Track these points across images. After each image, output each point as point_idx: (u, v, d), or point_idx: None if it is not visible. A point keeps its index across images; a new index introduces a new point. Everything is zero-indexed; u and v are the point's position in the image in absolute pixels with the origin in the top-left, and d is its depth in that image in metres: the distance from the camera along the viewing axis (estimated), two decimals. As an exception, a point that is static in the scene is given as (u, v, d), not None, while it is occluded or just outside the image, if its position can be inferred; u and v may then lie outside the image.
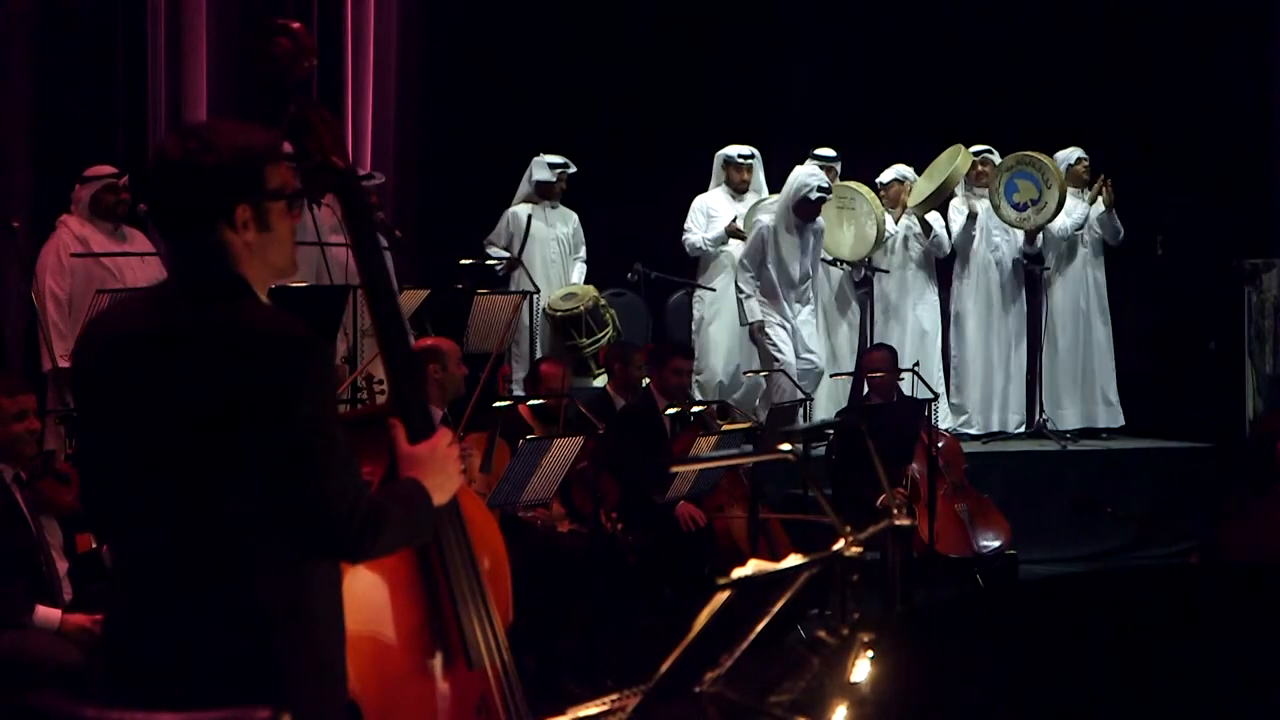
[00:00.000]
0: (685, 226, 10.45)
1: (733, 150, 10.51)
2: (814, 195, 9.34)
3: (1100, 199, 10.49)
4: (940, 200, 10.34)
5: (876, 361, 8.85)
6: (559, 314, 10.02)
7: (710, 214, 10.43)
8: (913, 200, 10.46)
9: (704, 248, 10.42)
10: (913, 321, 10.61)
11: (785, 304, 9.53)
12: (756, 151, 10.56)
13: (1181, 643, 2.50)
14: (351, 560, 2.85)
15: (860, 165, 10.58)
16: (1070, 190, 10.46)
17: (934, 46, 11.71)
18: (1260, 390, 10.59)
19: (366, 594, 3.07)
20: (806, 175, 9.49)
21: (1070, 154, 10.61)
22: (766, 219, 9.62)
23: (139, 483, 2.72)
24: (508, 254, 10.14)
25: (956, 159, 10.19)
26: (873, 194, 10.22)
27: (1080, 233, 10.63)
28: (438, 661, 3.19)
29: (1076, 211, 10.55)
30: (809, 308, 9.71)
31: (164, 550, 2.70)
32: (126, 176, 8.53)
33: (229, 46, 9.94)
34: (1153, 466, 9.82)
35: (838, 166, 10.52)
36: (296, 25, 3.04)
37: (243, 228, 2.76)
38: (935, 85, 11.59)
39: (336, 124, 3.12)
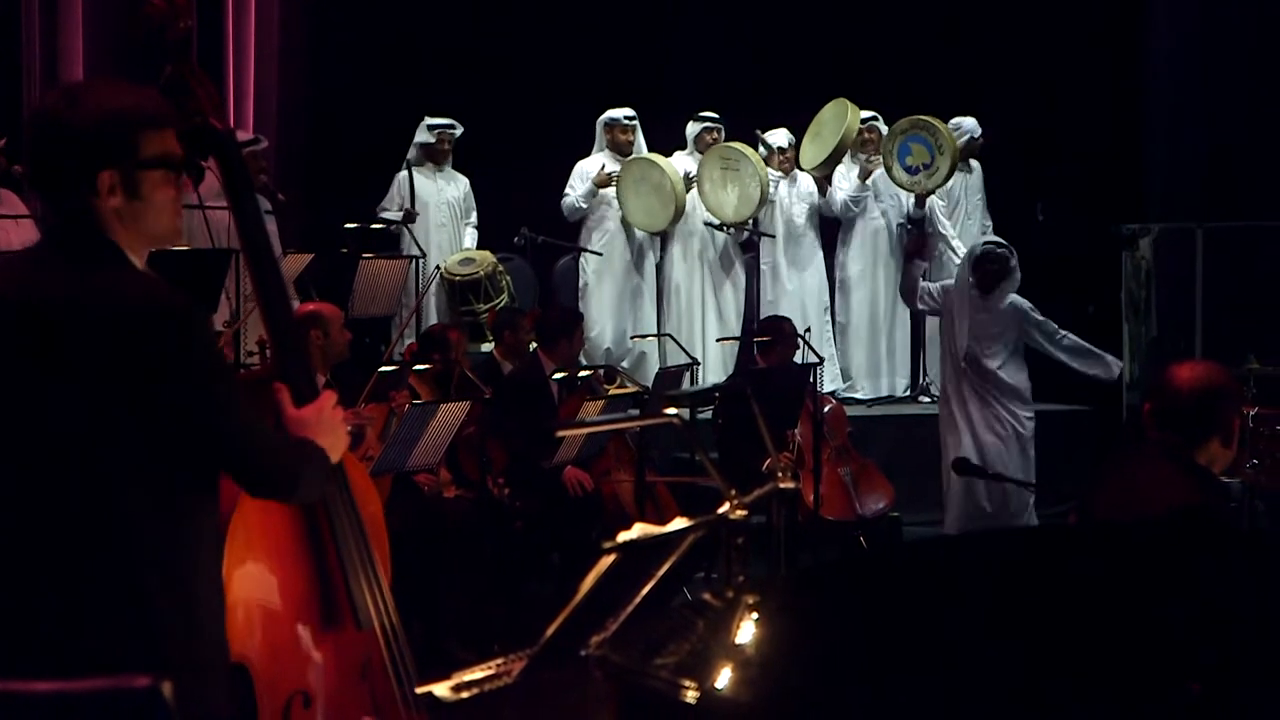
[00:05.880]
0: (565, 190, 10.44)
1: (617, 113, 10.50)
2: None
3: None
4: (838, 160, 10.38)
5: (788, 332, 8.58)
6: (458, 279, 9.94)
7: (589, 178, 10.42)
8: (807, 162, 10.47)
9: (578, 204, 10.42)
10: (800, 285, 10.65)
11: None
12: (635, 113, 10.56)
13: (1058, 600, 2.55)
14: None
15: (745, 128, 10.59)
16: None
17: (821, 11, 11.75)
18: (1136, 354, 10.78)
19: (254, 557, 3.07)
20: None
21: (970, 128, 10.61)
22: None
23: (16, 448, 2.67)
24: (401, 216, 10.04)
25: (846, 116, 10.18)
26: (757, 156, 10.23)
27: (963, 199, 10.74)
28: (325, 623, 3.19)
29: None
30: None
31: (43, 517, 2.66)
32: (5, 139, 8.33)
33: (105, 2, 9.72)
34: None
35: (722, 128, 10.54)
36: None
37: (109, 194, 2.70)
38: (821, 50, 11.64)
39: (213, 85, 3.09)
